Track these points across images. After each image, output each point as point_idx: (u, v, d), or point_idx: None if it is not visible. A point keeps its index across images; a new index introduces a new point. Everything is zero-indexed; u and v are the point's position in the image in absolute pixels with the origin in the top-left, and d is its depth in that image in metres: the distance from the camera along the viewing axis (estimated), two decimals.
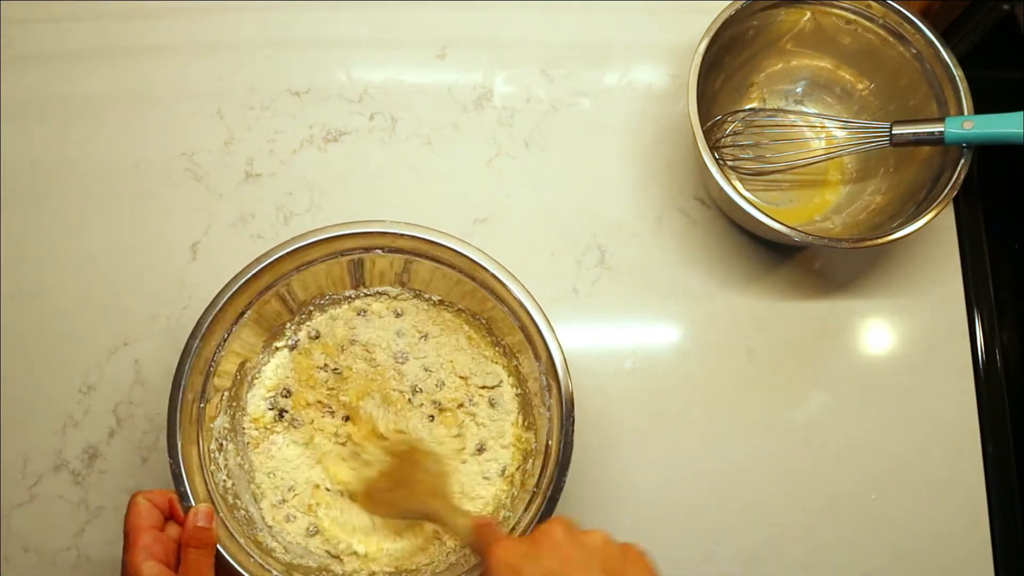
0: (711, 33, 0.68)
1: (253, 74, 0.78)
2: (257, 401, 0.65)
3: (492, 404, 0.66)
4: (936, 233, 0.76)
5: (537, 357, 0.62)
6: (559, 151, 0.77)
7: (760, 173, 0.75)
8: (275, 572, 0.58)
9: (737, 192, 0.66)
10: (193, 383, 0.60)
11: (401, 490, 0.62)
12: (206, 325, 0.60)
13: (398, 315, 0.68)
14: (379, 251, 0.64)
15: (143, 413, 0.70)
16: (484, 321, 0.67)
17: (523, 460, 0.64)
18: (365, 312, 0.68)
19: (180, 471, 0.57)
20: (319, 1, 0.80)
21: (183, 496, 0.56)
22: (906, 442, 0.71)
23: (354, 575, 0.61)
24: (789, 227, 0.65)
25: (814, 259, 0.76)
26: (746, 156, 0.75)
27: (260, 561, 0.58)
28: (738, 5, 0.69)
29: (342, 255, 0.64)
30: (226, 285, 0.61)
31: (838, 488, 0.70)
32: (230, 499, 0.60)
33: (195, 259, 0.73)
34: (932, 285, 0.75)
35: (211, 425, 0.62)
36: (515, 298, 0.61)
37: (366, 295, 0.68)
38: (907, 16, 0.70)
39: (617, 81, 0.79)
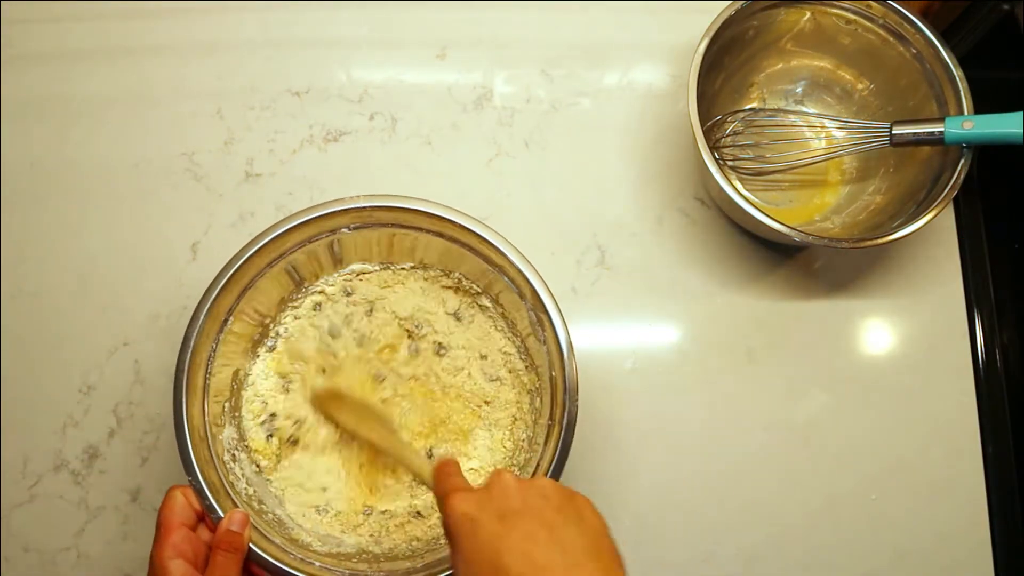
0: (711, 33, 0.68)
1: (253, 74, 0.78)
2: (254, 428, 0.65)
3: (483, 357, 0.67)
4: (936, 233, 0.76)
5: (521, 296, 0.63)
6: (559, 151, 0.77)
7: (760, 173, 0.75)
8: (317, 564, 0.58)
9: (737, 192, 0.66)
10: (194, 395, 0.60)
11: (363, 418, 0.63)
12: (194, 335, 0.60)
13: (348, 294, 0.69)
14: (345, 230, 0.64)
15: (143, 413, 0.70)
16: (459, 278, 0.68)
17: (530, 400, 0.65)
18: (321, 306, 0.68)
19: (202, 488, 0.57)
20: (319, 1, 0.80)
21: (210, 509, 0.56)
22: (906, 442, 0.71)
23: (392, 551, 0.62)
24: (789, 227, 0.65)
25: (814, 259, 0.76)
26: (746, 156, 0.75)
27: (300, 556, 0.58)
28: (738, 5, 0.69)
29: (310, 241, 0.64)
30: (206, 291, 0.61)
31: (838, 488, 0.70)
32: (255, 505, 0.61)
33: (195, 259, 0.73)
34: (932, 285, 0.75)
35: (220, 438, 0.62)
36: (486, 240, 0.62)
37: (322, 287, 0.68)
38: (907, 16, 0.70)
39: (617, 81, 0.79)
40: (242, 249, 0.62)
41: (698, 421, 0.71)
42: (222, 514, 0.56)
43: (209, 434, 0.60)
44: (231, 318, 0.63)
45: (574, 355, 0.60)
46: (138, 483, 0.68)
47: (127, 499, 0.68)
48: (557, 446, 0.58)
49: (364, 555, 0.61)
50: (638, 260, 0.75)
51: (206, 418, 0.60)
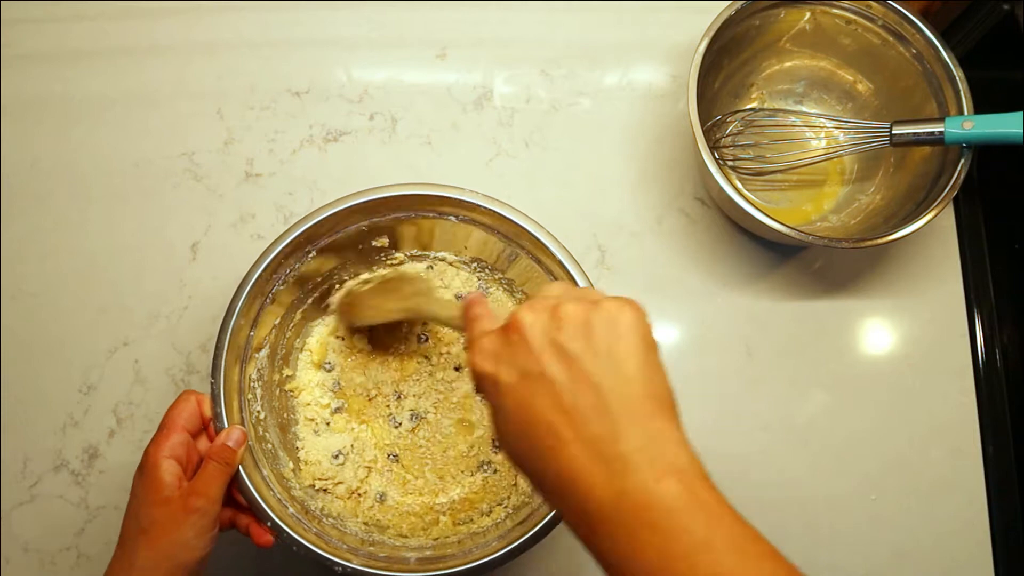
0: (711, 33, 0.68)
1: (253, 74, 0.78)
2: (309, 375, 0.67)
3: None
4: (936, 233, 0.76)
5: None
6: (559, 151, 0.77)
7: (760, 173, 0.75)
8: (291, 510, 0.58)
9: (737, 192, 0.66)
10: (249, 308, 0.60)
11: (385, 295, 0.63)
12: (272, 256, 0.60)
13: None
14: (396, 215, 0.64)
15: (143, 413, 0.70)
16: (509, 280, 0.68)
17: None
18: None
19: (219, 391, 0.57)
20: (319, 1, 0.80)
21: (217, 417, 0.57)
22: (906, 442, 0.71)
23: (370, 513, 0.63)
24: (789, 227, 0.65)
25: (814, 259, 0.76)
26: (746, 156, 0.75)
27: (279, 495, 0.58)
28: (738, 5, 0.69)
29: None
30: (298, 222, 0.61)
31: (838, 488, 0.70)
32: (260, 430, 0.61)
33: (195, 259, 0.73)
34: (932, 285, 0.75)
35: (256, 355, 0.62)
36: (535, 238, 0.62)
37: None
38: (907, 16, 0.70)
39: (617, 81, 0.79)
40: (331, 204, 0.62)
41: (698, 421, 0.71)
42: (226, 425, 0.57)
43: (247, 351, 0.61)
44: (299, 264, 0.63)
45: None
46: None
47: (127, 499, 0.68)
48: None
49: (331, 519, 0.62)
50: (638, 260, 0.75)
51: (252, 331, 0.61)
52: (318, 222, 0.61)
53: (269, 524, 0.56)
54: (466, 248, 0.68)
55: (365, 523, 0.63)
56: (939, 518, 0.70)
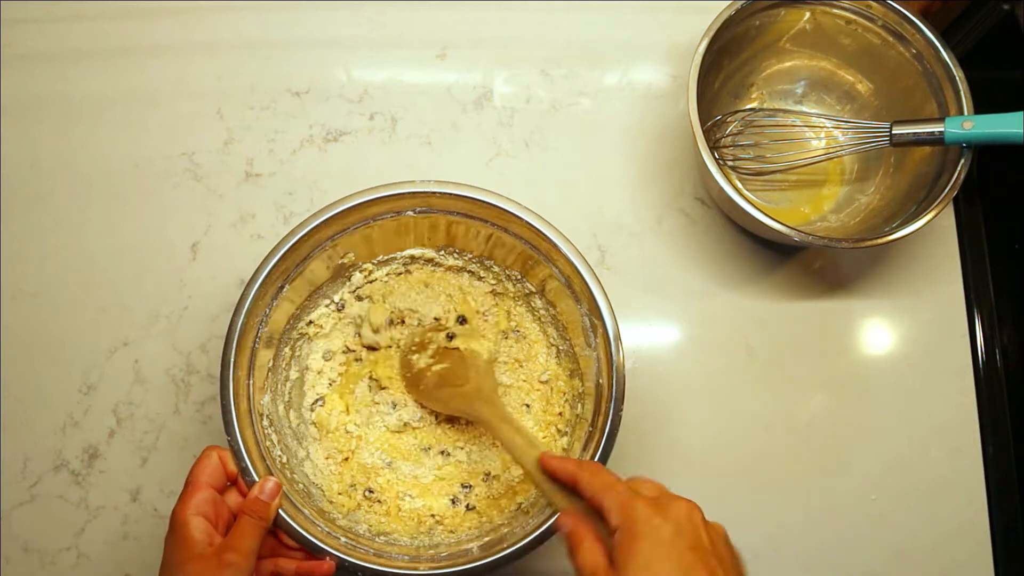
0: (711, 33, 0.68)
1: (253, 74, 0.78)
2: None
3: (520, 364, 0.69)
4: (936, 233, 0.76)
5: (578, 300, 0.62)
6: (559, 151, 0.77)
7: (760, 173, 0.75)
8: (343, 539, 0.58)
9: (737, 192, 0.66)
10: (242, 355, 0.59)
11: (448, 388, 0.63)
12: (250, 297, 0.60)
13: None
14: (410, 212, 0.64)
15: (143, 413, 0.70)
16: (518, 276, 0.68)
17: (571, 406, 0.66)
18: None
19: (239, 446, 0.57)
20: (319, 1, 0.80)
21: (244, 471, 0.56)
22: (906, 442, 0.71)
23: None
24: (789, 227, 0.65)
25: (814, 259, 0.76)
26: (746, 156, 0.75)
27: (326, 528, 0.58)
28: (738, 5, 0.69)
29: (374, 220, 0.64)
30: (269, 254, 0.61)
31: (838, 488, 0.70)
32: (288, 474, 0.61)
33: (195, 259, 0.73)
34: (932, 285, 0.75)
35: (261, 401, 0.62)
36: (552, 244, 0.62)
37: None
38: (907, 16, 0.70)
39: (617, 81, 0.79)
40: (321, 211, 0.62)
41: (698, 421, 0.71)
42: (256, 478, 0.56)
43: (252, 397, 0.60)
44: (286, 285, 0.63)
45: (624, 363, 0.59)
46: (138, 483, 0.68)
47: (127, 499, 0.68)
48: (596, 453, 0.58)
49: (382, 536, 0.62)
50: (638, 260, 0.75)
51: (251, 380, 0.60)
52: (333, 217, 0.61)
53: (328, 557, 0.56)
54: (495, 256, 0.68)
55: (413, 534, 0.63)
56: (939, 518, 0.70)
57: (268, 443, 0.60)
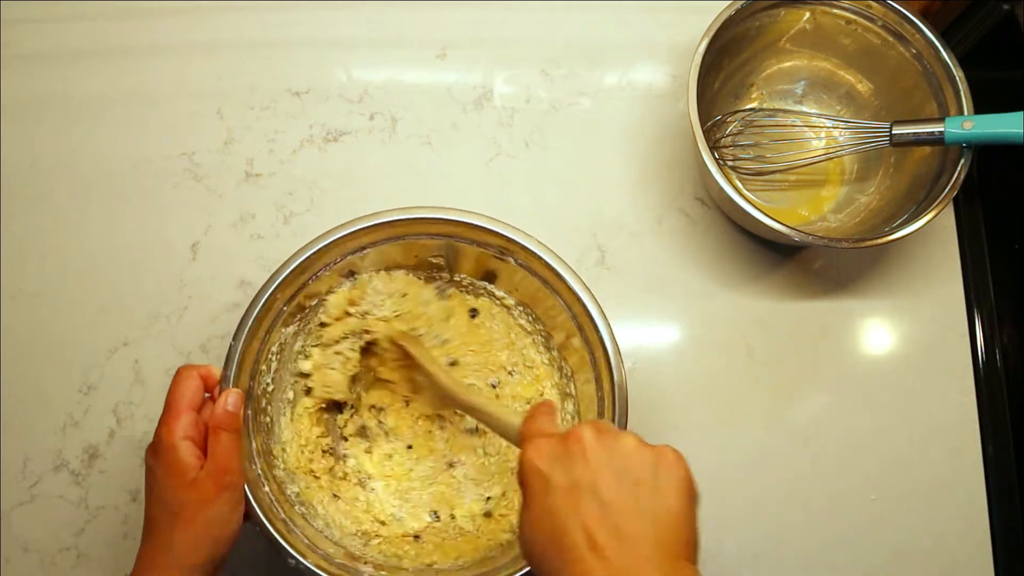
0: (711, 33, 0.68)
1: (253, 74, 0.78)
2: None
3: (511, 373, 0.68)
4: (936, 233, 0.76)
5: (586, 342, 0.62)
6: (559, 151, 0.77)
7: (760, 173, 0.75)
8: (266, 488, 0.58)
9: (737, 192, 0.66)
10: (289, 285, 0.60)
11: (454, 383, 0.62)
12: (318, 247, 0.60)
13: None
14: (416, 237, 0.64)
15: (143, 413, 0.70)
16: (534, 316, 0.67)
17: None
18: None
19: (235, 355, 0.57)
20: (319, 1, 0.80)
21: (225, 380, 0.57)
22: (906, 442, 0.71)
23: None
24: (789, 227, 0.65)
25: (814, 259, 0.76)
26: (746, 156, 0.75)
27: (260, 471, 0.58)
28: (738, 5, 0.69)
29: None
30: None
31: (838, 488, 0.70)
32: (263, 403, 0.61)
33: (195, 259, 0.73)
34: (932, 285, 0.75)
35: (283, 330, 0.62)
36: (568, 286, 0.62)
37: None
38: (907, 16, 0.70)
39: (617, 81, 0.79)
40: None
41: (698, 421, 0.71)
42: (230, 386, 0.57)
43: (275, 324, 0.61)
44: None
45: (627, 390, 0.59)
46: (138, 483, 0.68)
47: (127, 499, 0.68)
48: None
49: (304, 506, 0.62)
50: (638, 260, 0.75)
51: (284, 307, 0.61)
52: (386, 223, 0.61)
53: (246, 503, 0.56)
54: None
55: (350, 527, 0.63)
56: (939, 518, 0.70)
57: (264, 366, 0.61)
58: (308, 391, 0.66)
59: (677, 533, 0.44)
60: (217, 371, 0.57)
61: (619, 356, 0.60)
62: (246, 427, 0.58)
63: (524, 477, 0.47)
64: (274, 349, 0.62)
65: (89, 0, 0.80)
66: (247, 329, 0.58)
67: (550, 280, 0.62)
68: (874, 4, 0.70)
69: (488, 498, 0.65)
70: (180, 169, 0.76)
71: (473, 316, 0.69)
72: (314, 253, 0.60)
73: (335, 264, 0.62)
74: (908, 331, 0.74)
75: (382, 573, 0.58)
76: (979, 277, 0.75)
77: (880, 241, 0.65)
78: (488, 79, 0.79)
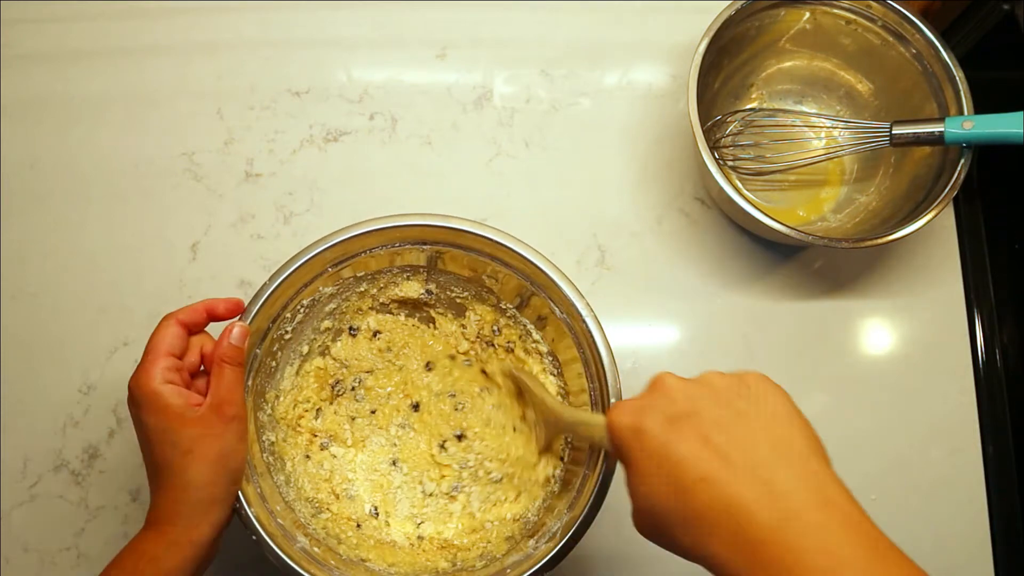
0: (711, 33, 0.68)
1: (253, 74, 0.78)
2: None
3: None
4: (936, 233, 0.76)
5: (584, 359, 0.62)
6: (559, 151, 0.77)
7: (760, 173, 0.75)
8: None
9: (737, 192, 0.66)
10: (309, 270, 0.60)
11: (543, 392, 0.61)
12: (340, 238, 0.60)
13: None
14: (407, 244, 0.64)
15: None
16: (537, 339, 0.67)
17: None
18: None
19: (263, 295, 0.58)
20: (319, 1, 0.80)
21: (247, 313, 0.57)
22: (906, 442, 0.71)
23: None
24: (789, 227, 0.65)
25: (814, 259, 0.76)
26: (746, 156, 0.75)
27: (248, 406, 0.58)
28: (738, 5, 0.69)
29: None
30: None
31: None
32: (275, 347, 0.61)
33: (195, 259, 0.73)
34: (932, 285, 0.75)
35: (321, 288, 0.62)
36: (560, 290, 0.61)
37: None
38: (907, 16, 0.70)
39: (617, 81, 0.79)
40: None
41: None
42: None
43: (298, 293, 0.61)
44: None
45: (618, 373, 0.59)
46: (138, 483, 0.68)
47: (127, 499, 0.68)
48: (591, 497, 0.56)
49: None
50: (638, 260, 0.75)
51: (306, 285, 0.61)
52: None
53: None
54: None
55: (309, 491, 0.63)
56: (939, 518, 0.70)
57: (288, 314, 0.61)
58: (324, 352, 0.66)
59: (799, 432, 0.42)
60: (222, 304, 0.57)
61: (610, 353, 0.60)
62: (248, 364, 0.58)
63: (617, 441, 0.44)
64: (305, 302, 0.62)
65: (89, 0, 0.80)
66: (283, 276, 0.58)
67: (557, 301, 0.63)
68: (874, 4, 0.70)
69: (420, 523, 0.65)
70: (180, 169, 0.76)
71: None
72: (382, 229, 0.61)
73: (392, 247, 0.62)
74: (908, 331, 0.74)
75: (315, 549, 0.57)
76: (979, 277, 0.75)
77: (880, 241, 0.65)
78: (488, 79, 0.79)
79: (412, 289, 0.67)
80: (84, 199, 0.75)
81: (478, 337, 0.68)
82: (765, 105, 0.78)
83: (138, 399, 0.52)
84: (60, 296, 0.72)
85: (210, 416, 0.53)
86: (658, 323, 0.74)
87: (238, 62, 0.78)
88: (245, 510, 0.55)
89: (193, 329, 0.56)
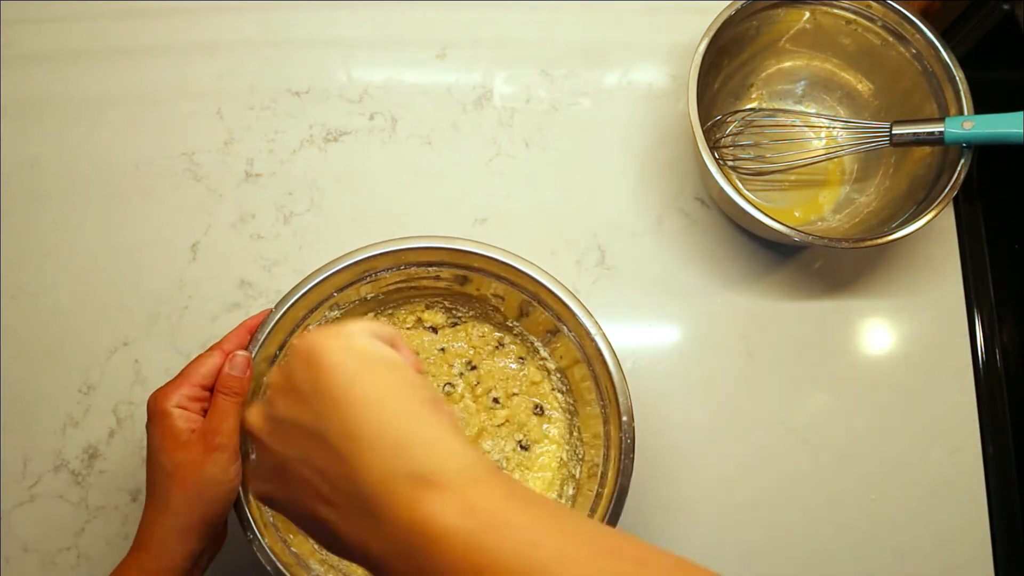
0: (711, 33, 0.68)
1: (253, 74, 0.78)
2: None
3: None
4: (936, 233, 0.76)
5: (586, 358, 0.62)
6: (559, 151, 0.77)
7: (760, 173, 0.75)
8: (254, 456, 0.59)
9: (737, 192, 0.66)
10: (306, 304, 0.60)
11: None
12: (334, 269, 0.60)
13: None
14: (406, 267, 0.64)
15: (143, 413, 0.69)
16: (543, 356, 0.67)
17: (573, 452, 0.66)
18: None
19: (262, 335, 0.58)
20: (319, 1, 0.80)
21: (253, 341, 0.58)
22: (906, 442, 0.71)
23: None
24: (789, 227, 0.65)
25: (814, 259, 0.76)
26: (746, 156, 0.75)
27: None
28: (738, 5, 0.69)
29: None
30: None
31: (838, 488, 0.70)
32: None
33: (195, 259, 0.73)
34: (932, 285, 0.75)
35: (327, 313, 0.62)
36: (582, 325, 0.61)
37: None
38: (907, 16, 0.70)
39: (617, 81, 0.79)
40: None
41: (698, 421, 0.71)
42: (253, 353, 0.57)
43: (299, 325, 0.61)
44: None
45: (633, 427, 0.59)
46: (138, 483, 0.68)
47: (127, 499, 0.68)
48: (610, 506, 0.57)
49: None
50: (638, 260, 0.75)
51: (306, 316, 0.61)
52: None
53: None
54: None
55: None
56: (939, 518, 0.70)
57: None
58: None
59: (377, 412, 0.34)
60: (260, 318, 0.58)
61: (614, 354, 0.60)
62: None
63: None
64: (312, 327, 0.62)
65: (89, 0, 0.80)
66: (288, 304, 0.58)
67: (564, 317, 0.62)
68: (874, 4, 0.70)
69: None
70: (180, 169, 0.75)
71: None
72: (386, 253, 0.60)
73: (397, 269, 0.62)
74: (908, 331, 0.74)
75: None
76: (979, 277, 0.75)
77: (880, 241, 0.65)
78: (488, 79, 0.79)
79: (432, 318, 0.68)
80: (84, 199, 0.75)
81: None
82: (765, 105, 0.78)
83: (150, 414, 0.54)
84: (60, 296, 0.72)
85: (196, 443, 0.53)
86: (658, 323, 0.74)
87: (238, 62, 0.78)
88: (259, 540, 0.55)
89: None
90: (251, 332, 0.58)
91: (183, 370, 0.56)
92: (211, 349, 0.57)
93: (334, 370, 0.35)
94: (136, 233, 0.74)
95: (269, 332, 0.58)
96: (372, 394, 0.35)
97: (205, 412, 0.55)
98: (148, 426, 0.54)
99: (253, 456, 0.46)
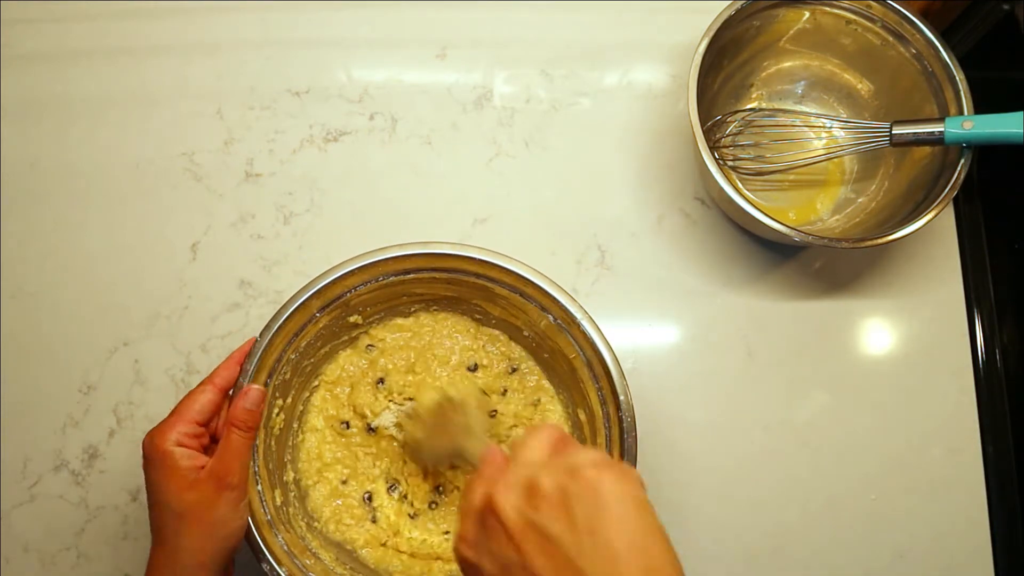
0: (711, 33, 0.68)
1: (253, 74, 0.78)
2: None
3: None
4: (936, 233, 0.76)
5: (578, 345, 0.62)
6: (559, 151, 0.77)
7: (760, 173, 0.75)
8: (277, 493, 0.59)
9: (737, 192, 0.66)
10: (324, 295, 0.60)
11: (440, 433, 0.60)
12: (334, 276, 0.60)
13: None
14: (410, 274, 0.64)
15: (143, 413, 0.70)
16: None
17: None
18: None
19: (257, 352, 0.57)
20: (319, 1, 0.80)
21: (243, 373, 0.56)
22: (906, 442, 0.71)
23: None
24: (789, 227, 0.65)
25: (814, 259, 0.76)
26: (746, 156, 0.75)
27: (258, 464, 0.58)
28: (738, 5, 0.69)
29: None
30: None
31: (838, 488, 0.70)
32: (277, 394, 0.60)
33: (195, 259, 0.73)
34: (932, 285, 0.75)
35: (301, 344, 0.62)
36: (566, 311, 0.61)
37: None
38: (907, 16, 0.70)
39: (617, 81, 0.79)
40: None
41: (698, 421, 0.71)
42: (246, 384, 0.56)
43: (296, 339, 0.61)
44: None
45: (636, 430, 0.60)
46: (138, 483, 0.68)
47: (127, 499, 0.68)
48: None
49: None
50: (638, 260, 0.75)
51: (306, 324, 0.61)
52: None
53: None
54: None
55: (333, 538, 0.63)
56: (939, 518, 0.70)
57: (279, 378, 0.61)
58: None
59: (637, 565, 0.38)
60: (248, 347, 0.57)
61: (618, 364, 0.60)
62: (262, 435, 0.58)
63: (463, 570, 0.44)
64: (292, 357, 0.61)
65: (89, 0, 0.80)
66: (273, 330, 0.58)
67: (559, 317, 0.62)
68: (874, 4, 0.70)
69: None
70: (180, 169, 0.76)
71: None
72: (365, 266, 0.60)
73: (375, 282, 0.62)
74: (908, 331, 0.74)
75: None
76: (979, 277, 0.75)
77: (880, 241, 0.65)
78: (488, 79, 0.79)
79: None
80: (84, 199, 0.75)
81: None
82: (765, 105, 0.78)
83: (148, 456, 0.53)
84: (60, 296, 0.72)
85: (207, 483, 0.52)
86: (658, 323, 0.74)
87: (238, 62, 0.78)
88: (276, 571, 0.55)
89: (231, 386, 0.56)
90: (240, 364, 0.57)
91: (176, 408, 0.54)
92: (202, 384, 0.55)
93: (619, 522, 0.39)
94: (136, 233, 0.74)
95: (257, 361, 0.57)
96: (653, 560, 0.38)
97: (204, 449, 0.54)
98: (147, 467, 0.53)
99: (471, 518, 0.43)
